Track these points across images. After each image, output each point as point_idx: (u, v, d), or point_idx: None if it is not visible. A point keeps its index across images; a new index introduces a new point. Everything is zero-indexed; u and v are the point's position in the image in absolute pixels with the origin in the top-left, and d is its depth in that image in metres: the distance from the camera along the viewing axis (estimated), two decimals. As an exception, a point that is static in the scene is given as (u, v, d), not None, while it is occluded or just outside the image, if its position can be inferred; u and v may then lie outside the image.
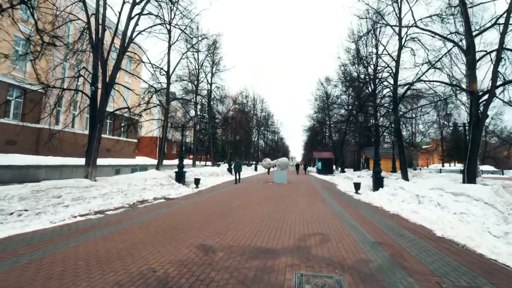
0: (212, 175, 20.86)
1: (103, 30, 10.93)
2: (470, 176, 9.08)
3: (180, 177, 14.74)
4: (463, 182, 9.36)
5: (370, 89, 19.26)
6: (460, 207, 7.35)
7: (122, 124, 16.60)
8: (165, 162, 34.11)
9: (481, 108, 9.45)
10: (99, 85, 11.59)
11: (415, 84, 13.27)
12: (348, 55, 21.89)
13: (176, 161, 38.96)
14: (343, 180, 20.05)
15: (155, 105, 17.60)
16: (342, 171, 24.17)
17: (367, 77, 18.49)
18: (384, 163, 24.11)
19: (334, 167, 35.50)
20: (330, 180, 22.13)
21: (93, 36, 11.30)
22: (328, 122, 38.84)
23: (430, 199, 8.66)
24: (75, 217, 7.00)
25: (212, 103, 32.92)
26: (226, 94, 29.70)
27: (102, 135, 25.41)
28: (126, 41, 11.79)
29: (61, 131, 11.91)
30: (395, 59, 14.78)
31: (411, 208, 8.28)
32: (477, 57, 9.47)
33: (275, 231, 5.80)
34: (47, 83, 10.99)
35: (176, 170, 15.27)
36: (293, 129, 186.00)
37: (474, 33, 9.15)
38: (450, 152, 42.13)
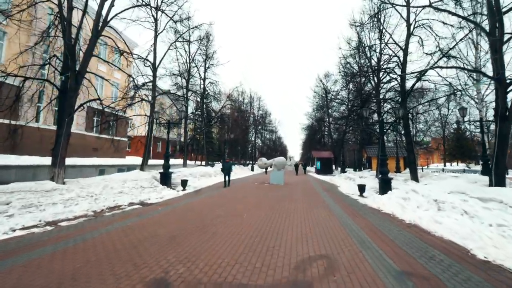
0: (204, 175, 19.43)
1: (69, 9, 9.45)
2: (499, 178, 7.72)
3: (165, 179, 13.29)
4: (490, 184, 8.00)
5: (373, 82, 17.89)
6: (495, 217, 5.97)
7: (104, 121, 15.12)
8: (155, 162, 32.68)
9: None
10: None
11: (426, 74, 11.90)
12: (349, 47, 20.47)
13: (170, 161, 37.45)
14: (344, 181, 18.67)
15: (140, 99, 16.17)
16: (343, 171, 22.86)
17: (370, 69, 17.11)
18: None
19: (333, 167, 34.17)
20: (330, 181, 20.74)
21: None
22: (327, 120, 37.48)
23: (453, 206, 7.27)
24: (14, 230, 5.55)
25: (207, 100, 31.49)
26: (220, 90, 28.19)
27: (89, 133, 23.92)
28: (100, 24, 10.32)
29: (25, 125, 10.41)
30: (403, 48, 13.41)
31: (430, 217, 6.89)
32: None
33: (265, 253, 4.39)
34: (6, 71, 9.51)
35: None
36: (291, 129, 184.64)
37: (503, 9, 7.80)
38: (452, 151, 40.99)
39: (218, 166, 27.76)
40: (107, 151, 23.40)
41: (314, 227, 6.17)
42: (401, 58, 13.10)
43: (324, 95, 37.75)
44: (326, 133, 41.32)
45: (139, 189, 11.34)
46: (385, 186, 11.44)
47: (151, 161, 36.00)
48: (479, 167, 40.42)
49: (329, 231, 5.89)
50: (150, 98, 16.09)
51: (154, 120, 14.33)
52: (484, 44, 11.43)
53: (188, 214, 7.34)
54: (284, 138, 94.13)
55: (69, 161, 19.22)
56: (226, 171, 15.29)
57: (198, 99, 28.06)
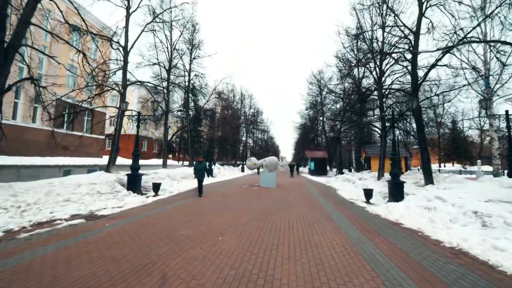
0: (186, 177, 17.17)
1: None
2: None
3: (133, 182, 11.02)
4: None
5: (375, 74, 16.00)
6: None
7: (60, 114, 12.74)
8: (143, 162, 30.20)
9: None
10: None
11: (438, 62, 10.05)
12: (348, 39, 18.63)
13: (152, 161, 34.96)
14: (342, 184, 16.74)
15: (109, 89, 13.85)
16: (340, 172, 20.98)
17: (372, 56, 15.20)
18: (387, 163, 20.99)
19: (328, 167, 32.35)
20: (327, 183, 18.79)
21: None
22: (321, 118, 35.67)
23: (506, 221, 5.33)
24: None
25: (195, 98, 29.13)
26: (207, 83, 25.90)
27: (58, 130, 21.24)
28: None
29: None
30: (413, 31, 11.53)
31: (481, 238, 4.91)
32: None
33: None
34: None
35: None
36: (283, 128, 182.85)
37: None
38: (447, 151, 39.80)
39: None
40: (80, 150, 20.88)
41: (320, 261, 4.08)
42: (412, 41, 11.20)
43: (318, 92, 35.95)
44: (320, 132, 39.52)
45: (95, 196, 9.05)
46: (397, 192, 9.51)
47: (145, 161, 33.53)
48: (475, 168, 39.39)
49: (344, 269, 3.81)
50: (121, 87, 13.78)
51: (135, 114, 12.07)
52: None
53: (137, 237, 5.15)
54: (276, 138, 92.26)
55: (28, 160, 16.73)
56: (199, 174, 10.97)
57: (183, 94, 25.65)
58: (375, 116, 17.50)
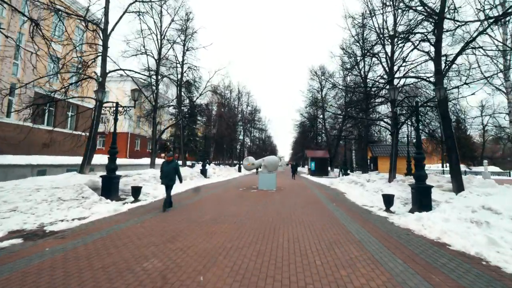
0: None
1: None
2: None
3: (108, 186, 9.29)
4: None
5: (387, 61, 14.31)
6: None
7: (29, 105, 10.91)
8: (126, 161, 28.29)
9: None
10: None
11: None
12: (354, 28, 17.00)
13: (142, 161, 33.05)
14: (349, 186, 15.11)
15: (86, 77, 12.08)
16: (345, 173, 19.32)
17: (384, 39, 13.52)
18: (388, 162, 19.33)
19: (329, 168, 30.76)
20: (331, 185, 17.15)
21: None
22: (321, 116, 34.06)
23: None
24: None
25: (189, 94, 27.34)
26: (201, 77, 24.08)
27: (37, 126, 19.33)
28: None
29: None
30: (435, 11, 9.87)
31: None
32: None
33: None
34: None
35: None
36: (281, 128, 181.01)
37: None
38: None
39: (199, 167, 23.59)
40: (62, 148, 18.98)
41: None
42: (436, 18, 9.50)
43: (319, 88, 34.33)
44: (320, 130, 37.91)
45: (54, 203, 7.29)
46: (424, 199, 7.88)
47: (127, 161, 31.50)
48: (480, 168, 38.06)
49: None
50: (99, 76, 12.00)
51: (112, 106, 10.20)
52: None
53: (78, 275, 3.43)
54: (274, 138, 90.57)
55: None
56: (167, 178, 7.89)
57: (176, 89, 23.83)
58: (384, 112, 15.89)
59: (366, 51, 15.58)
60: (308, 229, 6.00)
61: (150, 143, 48.27)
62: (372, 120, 18.05)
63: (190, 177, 17.25)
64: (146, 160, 31.93)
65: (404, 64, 13.81)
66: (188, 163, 37.23)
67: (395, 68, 14.31)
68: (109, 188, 9.37)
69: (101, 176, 9.57)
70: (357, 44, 18.19)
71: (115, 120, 10.01)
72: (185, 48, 22.48)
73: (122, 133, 42.68)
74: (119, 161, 27.25)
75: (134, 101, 9.84)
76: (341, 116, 23.59)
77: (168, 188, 7.95)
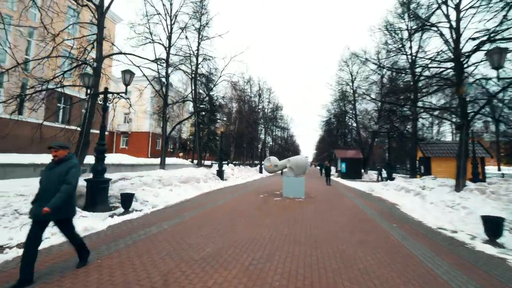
0: (188, 181, 13.28)
1: None
2: None
3: (93, 192, 7.23)
4: None
5: (451, 34, 11.03)
6: None
7: (16, 95, 9.22)
8: (151, 161, 26.77)
9: None
10: None
11: None
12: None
13: (155, 160, 31.56)
14: (398, 195, 12.09)
15: (79, 63, 10.23)
16: (389, 177, 16.09)
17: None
18: (445, 165, 15.96)
19: (362, 170, 27.39)
20: (372, 192, 14.16)
21: None
22: (353, 111, 30.63)
23: None
24: None
25: (209, 90, 25.27)
26: (217, 68, 21.81)
27: (48, 124, 18.02)
28: None
29: None
30: None
31: None
32: None
33: None
34: None
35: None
36: (304, 127, 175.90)
37: None
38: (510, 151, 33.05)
39: (217, 167, 21.31)
40: (73, 147, 17.55)
41: None
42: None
43: (350, 80, 30.94)
44: (352, 127, 34.40)
45: (6, 218, 5.26)
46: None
47: (148, 160, 30.11)
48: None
49: None
50: (94, 61, 10.10)
51: (102, 92, 8.17)
52: None
53: None
54: (297, 137, 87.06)
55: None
56: (47, 196, 3.21)
57: (190, 82, 21.83)
58: (437, 102, 12.59)
59: (421, 24, 12.36)
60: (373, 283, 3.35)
61: (171, 142, 47.48)
62: (431, 110, 14.52)
63: (204, 179, 15.04)
64: (168, 160, 30.23)
65: (476, 35, 10.51)
66: (208, 163, 35.44)
67: (462, 43, 11.07)
68: (94, 195, 7.31)
69: (85, 180, 7.51)
70: (403, 19, 15.02)
71: (104, 109, 7.93)
72: (200, 36, 20.38)
73: (143, 133, 42.04)
74: (135, 160, 25.89)
75: (126, 85, 7.69)
76: (378, 109, 20.24)
77: (61, 224, 3.54)
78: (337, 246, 4.90)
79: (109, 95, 8.27)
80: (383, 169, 22.70)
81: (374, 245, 5.06)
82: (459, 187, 10.46)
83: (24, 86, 14.19)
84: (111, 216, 6.79)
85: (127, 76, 7.74)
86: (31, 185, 7.00)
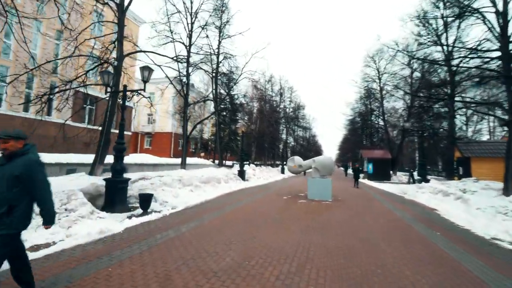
0: (209, 182, 13.00)
1: None
2: None
3: (112, 192, 7.06)
4: None
5: (497, 18, 9.81)
6: None
7: (38, 96, 9.35)
8: (169, 160, 27.07)
9: None
10: None
11: None
12: None
13: (175, 160, 31.86)
14: (434, 198, 10.99)
15: (101, 62, 10.25)
16: (424, 179, 14.72)
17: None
18: (487, 166, 14.41)
19: (391, 171, 25.87)
20: (405, 195, 13.10)
21: None
22: (380, 109, 29.07)
23: None
24: None
25: (226, 86, 25.06)
26: (238, 66, 21.47)
27: (77, 124, 18.55)
28: None
29: None
30: None
31: None
32: None
33: None
34: None
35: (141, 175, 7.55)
36: (326, 126, 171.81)
37: None
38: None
39: (238, 167, 20.93)
40: (95, 146, 18.05)
41: None
42: None
43: (377, 76, 29.40)
44: (379, 126, 32.73)
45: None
46: None
47: (169, 160, 30.51)
48: None
49: None
50: (114, 60, 10.09)
51: (120, 90, 8.07)
52: None
53: None
54: (318, 137, 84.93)
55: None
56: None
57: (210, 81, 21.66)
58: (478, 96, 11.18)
59: (460, 10, 11.13)
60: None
61: (193, 142, 47.97)
62: (473, 105, 13.11)
63: (225, 179, 14.71)
64: (189, 160, 30.33)
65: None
66: (229, 163, 35.30)
67: (510, 29, 9.80)
68: (112, 195, 7.13)
69: (104, 180, 7.36)
70: (437, 8, 13.76)
71: (123, 107, 7.76)
72: (221, 34, 20.14)
73: (166, 133, 42.84)
74: (157, 160, 26.18)
75: (144, 82, 7.46)
76: (408, 106, 18.85)
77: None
78: (377, 259, 4.23)
79: (128, 93, 8.08)
80: (414, 170, 21.17)
81: (420, 258, 4.33)
82: (508, 190, 9.26)
83: (53, 87, 14.61)
84: (129, 217, 6.56)
85: (146, 72, 7.50)
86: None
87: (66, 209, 5.76)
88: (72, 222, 5.42)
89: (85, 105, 20.94)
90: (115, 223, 5.88)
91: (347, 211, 8.54)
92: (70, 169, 14.68)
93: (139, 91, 7.99)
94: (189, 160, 30.38)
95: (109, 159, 11.25)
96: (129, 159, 22.41)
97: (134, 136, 43.28)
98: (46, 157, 13.78)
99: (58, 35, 16.57)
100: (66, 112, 14.19)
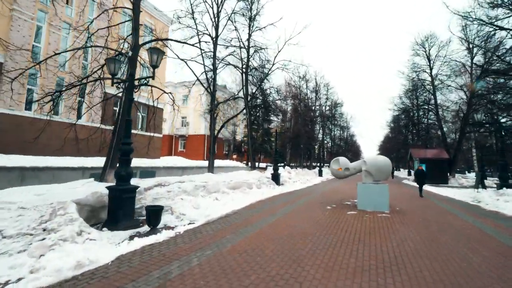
0: (238, 187, 11.39)
1: None
2: None
3: (116, 204, 5.73)
4: None
5: None
6: None
7: (47, 94, 8.51)
8: (199, 163, 26.16)
9: None
10: None
11: None
12: None
13: (217, 162, 30.92)
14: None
15: (117, 53, 9.20)
16: (506, 184, 11.45)
17: None
18: None
19: (448, 173, 22.12)
20: (480, 203, 10.23)
21: None
22: (433, 102, 25.24)
23: None
24: None
25: (258, 83, 23.46)
26: (269, 60, 19.66)
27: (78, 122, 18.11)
28: None
29: None
30: None
31: None
32: None
33: None
34: None
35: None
36: (363, 124, 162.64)
37: None
38: None
39: (271, 170, 19.10)
40: (141, 151, 17.46)
41: None
42: None
43: (427, 65, 25.62)
44: (432, 121, 28.68)
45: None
46: None
47: (200, 162, 29.73)
48: None
49: None
50: (129, 50, 8.96)
51: (126, 80, 6.86)
52: None
53: None
54: (357, 137, 79.76)
55: (39, 161, 13.38)
56: None
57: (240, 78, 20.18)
58: None
59: None
60: None
61: (226, 144, 47.22)
62: None
63: (257, 184, 12.98)
64: (219, 162, 29.22)
65: None
66: (262, 165, 33.66)
67: None
68: (116, 207, 5.76)
69: (107, 188, 6.03)
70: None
71: (130, 100, 6.41)
72: (251, 25, 18.53)
73: (199, 135, 42.58)
74: (187, 163, 25.31)
75: (153, 66, 6.02)
76: (468, 97, 15.36)
77: None
78: None
79: (136, 83, 6.73)
80: (485, 171, 17.51)
81: None
82: None
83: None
84: (131, 238, 5.10)
85: (154, 56, 6.07)
86: (46, 193, 5.77)
87: (44, 229, 4.42)
88: (47, 248, 4.04)
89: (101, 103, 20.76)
90: (107, 249, 4.42)
91: (416, 228, 6.26)
92: (94, 173, 14.09)
93: (146, 80, 6.58)
94: (219, 162, 29.24)
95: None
96: (158, 162, 21.84)
97: (169, 138, 43.78)
98: (69, 161, 13.30)
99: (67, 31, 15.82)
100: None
